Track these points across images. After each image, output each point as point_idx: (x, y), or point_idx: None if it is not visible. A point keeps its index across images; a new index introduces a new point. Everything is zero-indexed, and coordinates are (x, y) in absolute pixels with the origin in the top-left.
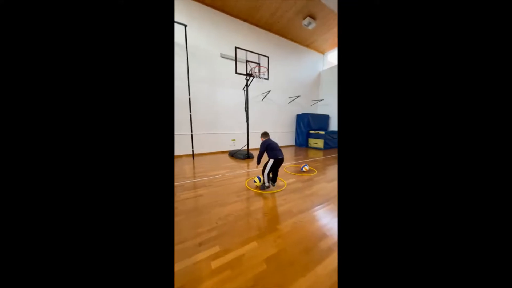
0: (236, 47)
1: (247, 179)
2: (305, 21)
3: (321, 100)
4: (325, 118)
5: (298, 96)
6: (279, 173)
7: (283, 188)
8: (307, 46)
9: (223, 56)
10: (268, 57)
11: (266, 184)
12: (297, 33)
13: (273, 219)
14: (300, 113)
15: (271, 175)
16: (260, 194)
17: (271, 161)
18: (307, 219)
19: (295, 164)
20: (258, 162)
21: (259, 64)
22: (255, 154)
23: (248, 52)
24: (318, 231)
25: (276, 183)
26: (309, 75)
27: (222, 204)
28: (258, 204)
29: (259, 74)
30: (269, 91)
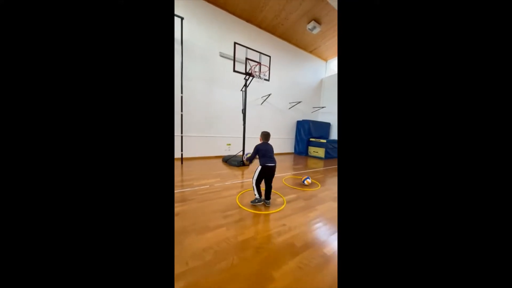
0: (235, 43)
1: (240, 192)
2: (310, 25)
3: (323, 107)
4: (327, 126)
5: (299, 102)
6: (276, 185)
7: (281, 208)
8: (310, 52)
9: (222, 55)
10: (270, 56)
11: (256, 196)
12: (301, 38)
13: (268, 258)
14: (300, 119)
15: (262, 190)
16: (253, 215)
17: (259, 167)
18: (317, 261)
19: (294, 175)
20: (248, 161)
21: (259, 63)
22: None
23: (249, 50)
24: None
25: (271, 200)
26: (311, 81)
27: (201, 230)
28: (249, 231)
29: (260, 74)
30: (269, 95)
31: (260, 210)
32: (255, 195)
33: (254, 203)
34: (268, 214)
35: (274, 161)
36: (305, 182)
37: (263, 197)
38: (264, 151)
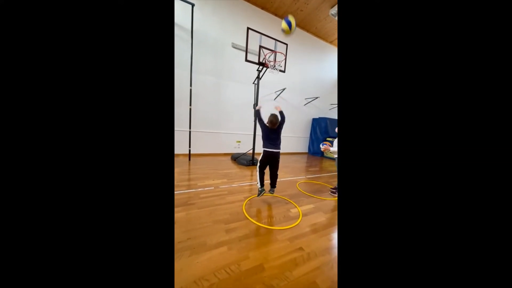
0: (248, 28)
1: (247, 197)
2: (333, 10)
3: None
4: (334, 122)
5: (317, 98)
6: (289, 192)
7: (297, 222)
8: (331, 42)
9: (234, 46)
10: (287, 44)
11: (258, 185)
12: (321, 26)
13: None
14: (317, 117)
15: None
16: (261, 230)
17: (262, 151)
18: None
19: (309, 179)
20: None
21: (275, 51)
22: None
23: (263, 38)
24: None
25: (290, 208)
26: (330, 75)
27: (197, 248)
28: (257, 255)
29: (275, 64)
30: (284, 89)
31: (270, 223)
32: (258, 184)
33: (259, 196)
34: (280, 231)
35: (276, 146)
36: (322, 148)
37: (265, 187)
38: (268, 130)
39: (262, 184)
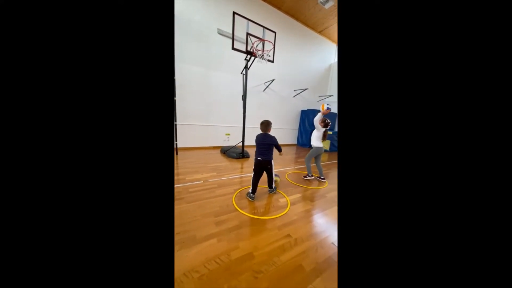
0: (234, 12)
1: (237, 190)
2: None
3: (330, 96)
4: (333, 117)
5: (305, 89)
6: (280, 183)
7: (285, 211)
8: (320, 32)
9: (220, 33)
10: (275, 32)
11: (250, 189)
12: (310, 15)
13: (271, 286)
14: (305, 108)
15: (261, 188)
16: (251, 221)
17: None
18: None
19: (298, 169)
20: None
21: (263, 39)
22: (252, 152)
23: (251, 24)
24: None
25: (279, 198)
26: (318, 67)
27: (187, 242)
28: (246, 244)
29: (263, 54)
30: (273, 80)
31: (259, 214)
32: (250, 187)
33: (247, 196)
34: (269, 220)
35: (264, 154)
36: (322, 111)
37: (256, 194)
38: (258, 140)
39: (254, 190)
